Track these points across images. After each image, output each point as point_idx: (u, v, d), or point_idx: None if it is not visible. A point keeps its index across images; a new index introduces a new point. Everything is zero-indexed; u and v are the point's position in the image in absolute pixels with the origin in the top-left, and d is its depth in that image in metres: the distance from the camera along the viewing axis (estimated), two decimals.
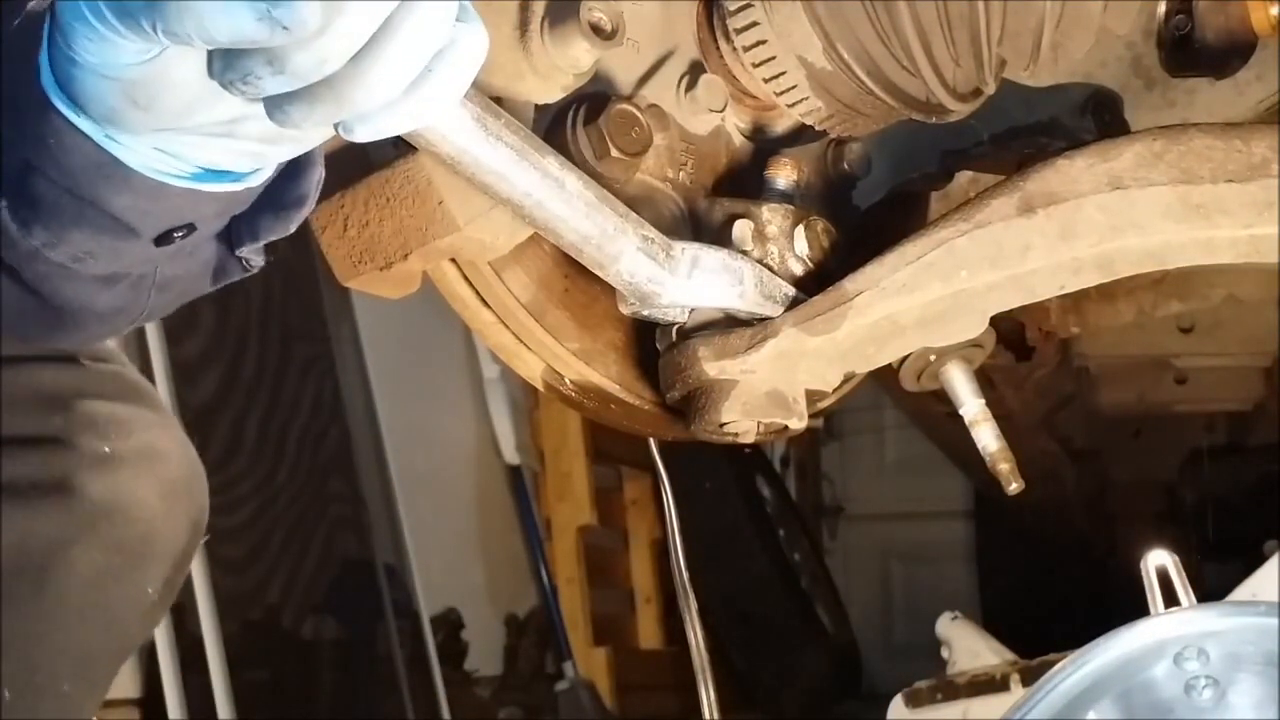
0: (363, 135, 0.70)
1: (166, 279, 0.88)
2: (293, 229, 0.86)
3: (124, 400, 1.15)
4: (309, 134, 0.74)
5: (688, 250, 1.11)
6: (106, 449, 1.10)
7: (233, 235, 0.87)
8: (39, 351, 1.11)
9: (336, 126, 0.70)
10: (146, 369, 2.77)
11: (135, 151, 0.75)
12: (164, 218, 0.79)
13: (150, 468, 1.14)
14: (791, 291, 1.16)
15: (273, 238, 0.87)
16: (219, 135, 0.74)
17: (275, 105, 0.67)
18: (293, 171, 0.83)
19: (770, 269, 1.17)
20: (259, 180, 0.81)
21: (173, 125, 0.73)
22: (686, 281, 1.11)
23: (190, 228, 0.81)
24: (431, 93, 0.70)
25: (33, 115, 0.74)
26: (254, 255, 0.88)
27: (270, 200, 0.84)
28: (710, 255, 1.12)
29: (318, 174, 0.85)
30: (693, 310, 1.15)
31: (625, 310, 1.14)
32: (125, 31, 0.66)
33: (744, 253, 1.17)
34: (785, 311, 1.15)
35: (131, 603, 1.14)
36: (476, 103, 0.92)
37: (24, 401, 1.09)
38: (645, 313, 1.13)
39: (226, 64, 0.66)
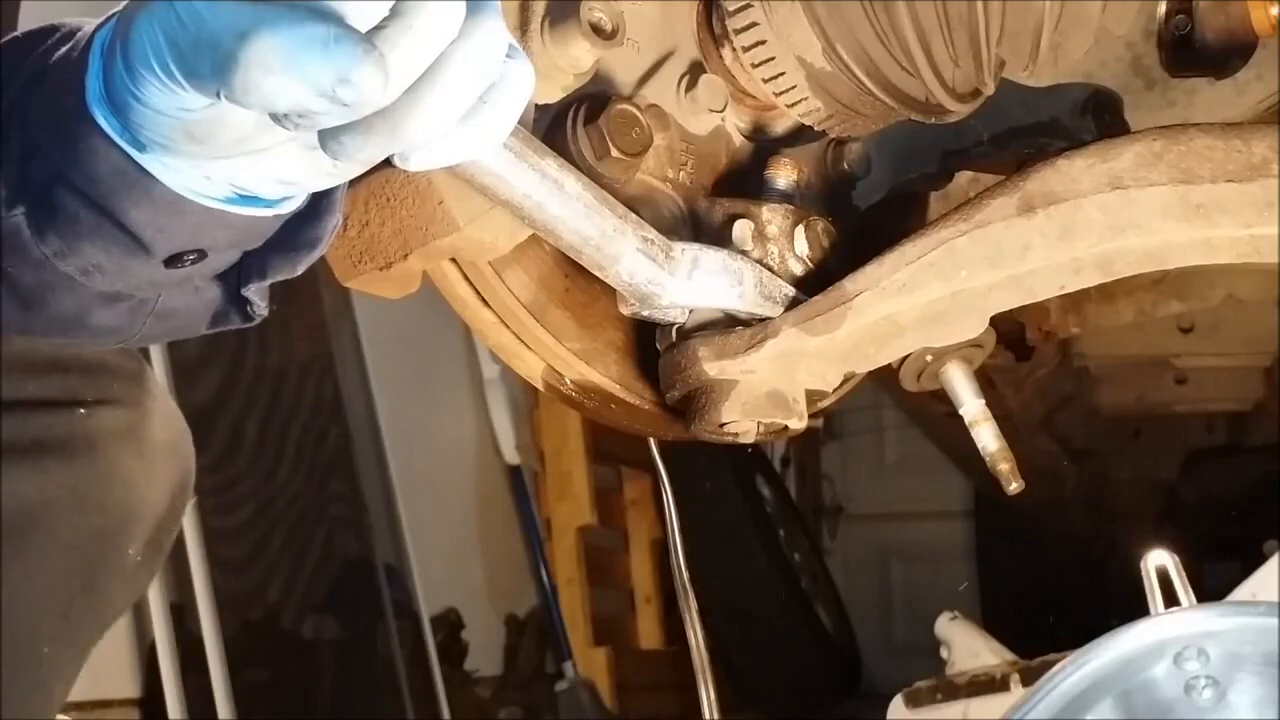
0: (416, 165, 0.71)
1: (166, 309, 0.88)
2: (300, 271, 0.87)
3: (103, 361, 1.15)
4: (355, 166, 0.75)
5: (688, 251, 1.11)
6: (83, 410, 1.11)
7: (241, 273, 0.87)
8: None
9: (391, 157, 0.71)
10: None
11: (181, 174, 0.76)
12: (178, 237, 0.79)
13: (131, 428, 1.14)
14: (791, 292, 1.16)
15: (280, 278, 0.87)
16: (260, 160, 0.74)
17: (330, 136, 0.68)
18: (311, 213, 0.84)
19: (770, 269, 1.17)
20: (286, 209, 0.81)
21: (223, 156, 0.74)
22: (687, 282, 1.11)
23: (202, 254, 0.81)
24: (484, 123, 0.71)
25: (70, 125, 0.75)
26: (258, 298, 0.88)
27: (284, 240, 0.85)
28: (710, 256, 1.12)
29: (335, 220, 0.86)
30: (692, 310, 1.15)
31: (625, 311, 1.14)
32: (191, 89, 0.67)
33: (744, 253, 1.17)
34: (785, 311, 1.15)
35: (113, 565, 1.15)
36: None
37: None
38: (645, 313, 1.13)
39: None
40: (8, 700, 1.07)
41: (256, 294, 0.88)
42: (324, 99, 0.63)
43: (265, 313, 0.90)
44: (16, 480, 1.07)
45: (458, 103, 0.69)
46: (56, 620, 1.12)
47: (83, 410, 1.11)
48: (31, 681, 1.09)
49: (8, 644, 1.07)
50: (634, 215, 1.07)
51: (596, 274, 1.07)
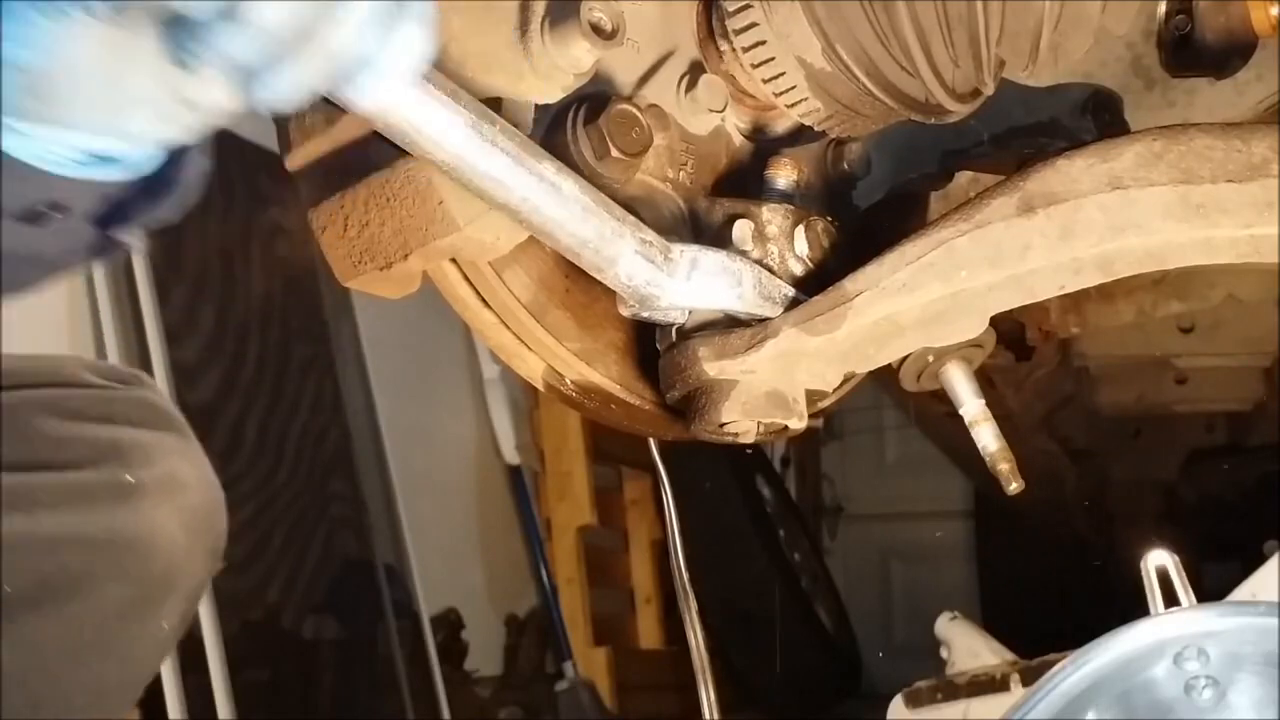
0: (355, 93, 0.72)
1: (35, 253, 0.86)
2: (171, 217, 0.86)
3: (149, 426, 1.13)
4: (215, 111, 0.74)
5: (686, 252, 1.11)
6: (129, 478, 1.08)
7: (109, 216, 0.86)
8: (68, 379, 1.09)
9: (330, 93, 0.71)
10: (146, 369, 2.78)
11: (32, 141, 0.74)
12: (31, 196, 0.78)
13: (172, 498, 1.12)
14: (790, 292, 1.16)
15: (149, 225, 0.86)
16: (112, 120, 0.73)
17: (254, 77, 0.67)
18: (174, 159, 0.83)
19: (770, 269, 1.17)
20: (147, 168, 0.80)
21: (72, 120, 0.72)
22: (685, 283, 1.11)
23: (61, 208, 0.80)
24: (407, 35, 0.71)
25: None
26: (129, 237, 0.87)
27: (150, 187, 0.84)
28: (709, 257, 1.12)
29: (201, 164, 0.85)
30: (692, 311, 1.15)
31: (624, 312, 1.14)
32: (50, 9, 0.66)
33: (744, 253, 1.17)
34: (785, 312, 1.15)
35: (148, 637, 1.12)
36: (472, 109, 0.92)
37: (51, 427, 1.07)
38: (645, 315, 1.13)
39: (189, 35, 0.66)
40: None
41: (125, 236, 0.87)
42: None
43: (142, 245, 0.89)
44: (63, 549, 1.03)
45: (354, 39, 0.68)
46: (89, 694, 1.08)
47: (129, 478, 1.09)
48: None
49: (43, 712, 1.05)
50: (632, 217, 1.07)
51: (595, 276, 1.07)
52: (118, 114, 0.72)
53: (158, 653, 1.17)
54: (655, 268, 1.08)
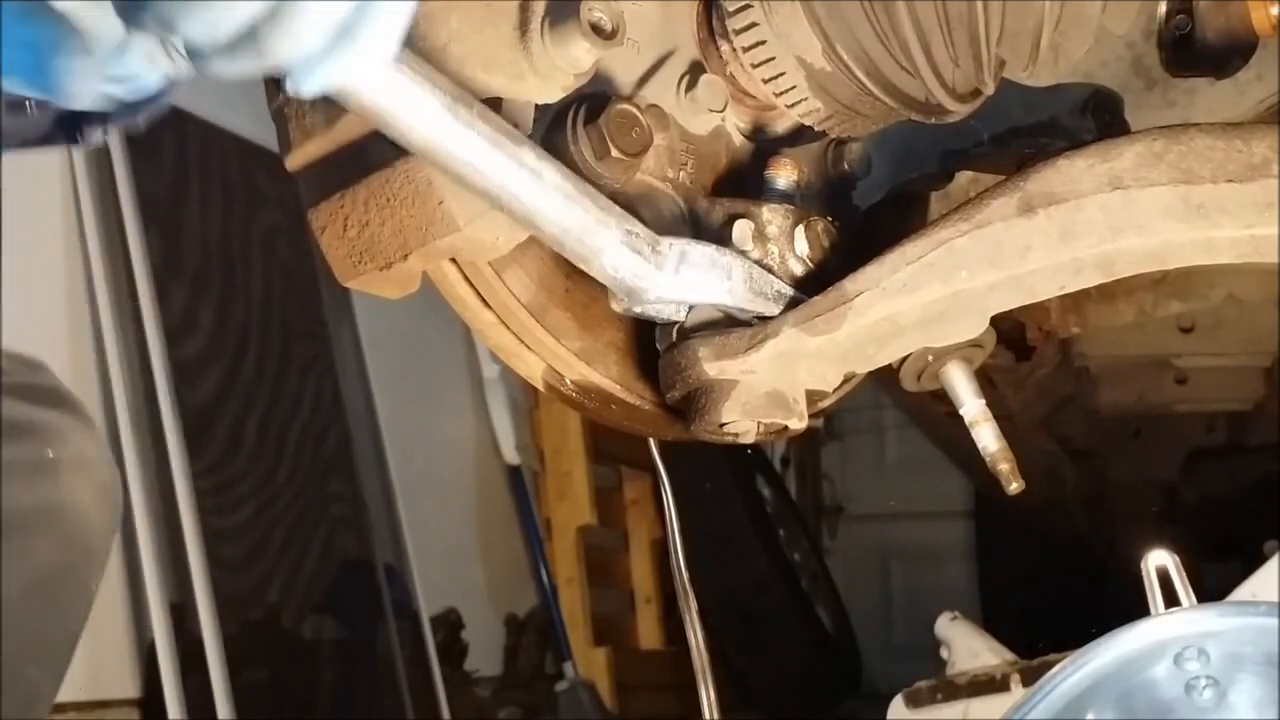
0: (301, 88, 0.71)
1: (9, 134, 0.89)
2: (135, 125, 0.88)
3: (57, 408, 1.18)
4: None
5: (675, 245, 1.11)
6: (50, 454, 1.15)
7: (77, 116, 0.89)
8: None
9: (283, 81, 0.71)
10: (146, 369, 2.78)
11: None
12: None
13: (85, 473, 1.19)
14: (783, 288, 1.16)
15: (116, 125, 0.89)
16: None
17: (198, 56, 0.68)
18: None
19: (770, 269, 1.17)
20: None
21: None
22: (674, 277, 1.10)
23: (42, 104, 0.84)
24: (362, 43, 0.71)
25: None
26: (93, 134, 0.90)
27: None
28: (698, 250, 1.12)
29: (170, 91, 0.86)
30: (692, 309, 1.15)
31: (616, 307, 1.14)
32: None
33: (743, 253, 1.17)
34: (783, 309, 1.15)
35: (80, 597, 1.20)
36: (448, 91, 0.91)
37: None
38: (636, 309, 1.13)
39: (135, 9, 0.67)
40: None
41: (96, 129, 0.90)
42: None
43: (99, 140, 0.92)
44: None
45: (324, 23, 0.68)
46: (38, 646, 1.15)
47: (50, 454, 1.15)
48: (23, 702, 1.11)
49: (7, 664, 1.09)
50: (618, 208, 1.06)
51: (582, 267, 1.07)
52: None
53: (87, 612, 1.24)
54: (643, 259, 1.07)
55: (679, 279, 1.11)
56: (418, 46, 1.01)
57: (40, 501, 1.13)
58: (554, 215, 1.00)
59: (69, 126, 0.90)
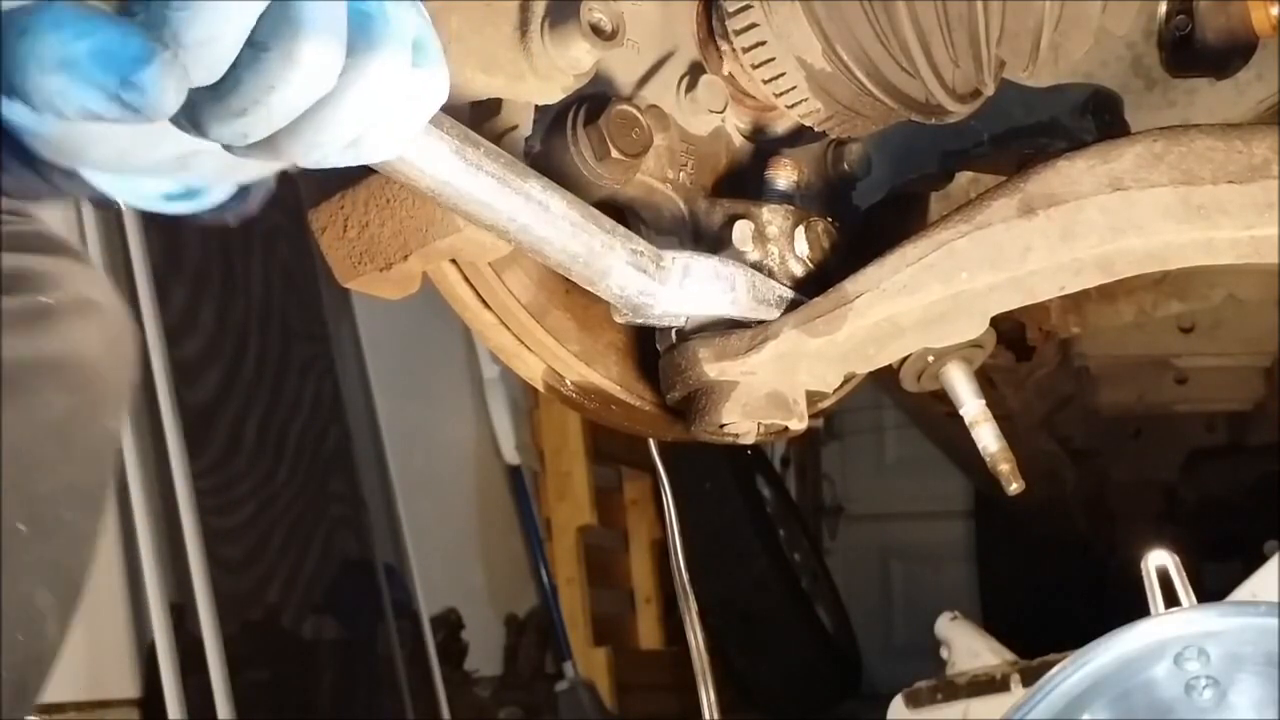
0: (312, 165, 0.71)
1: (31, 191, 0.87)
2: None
3: (50, 253, 1.16)
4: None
5: (678, 260, 1.10)
6: (45, 299, 1.11)
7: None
8: None
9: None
10: (146, 369, 2.78)
11: (111, 181, 0.74)
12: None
13: (88, 317, 1.15)
14: (787, 294, 1.16)
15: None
16: (170, 171, 0.73)
17: (226, 146, 0.67)
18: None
19: (770, 270, 1.17)
20: (225, 199, 0.80)
21: (115, 169, 0.72)
22: (679, 291, 1.10)
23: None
24: (376, 144, 0.71)
25: None
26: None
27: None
28: (701, 264, 1.12)
29: (262, 192, 0.85)
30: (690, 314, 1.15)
31: (619, 320, 1.14)
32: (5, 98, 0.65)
33: (743, 254, 1.17)
34: (784, 313, 1.15)
35: (100, 436, 1.17)
36: (454, 134, 0.90)
37: None
38: (639, 321, 1.13)
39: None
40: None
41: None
42: (114, 104, 0.60)
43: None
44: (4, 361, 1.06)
45: (338, 137, 0.68)
46: (70, 488, 1.13)
47: (46, 300, 1.11)
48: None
49: (35, 513, 1.07)
50: (623, 228, 1.06)
51: (588, 289, 1.07)
52: (182, 159, 0.73)
53: (111, 450, 1.21)
54: (648, 277, 1.07)
55: (683, 293, 1.11)
56: None
57: (37, 351, 1.09)
58: (562, 243, 1.00)
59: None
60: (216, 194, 0.79)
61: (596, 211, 1.03)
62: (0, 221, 1.14)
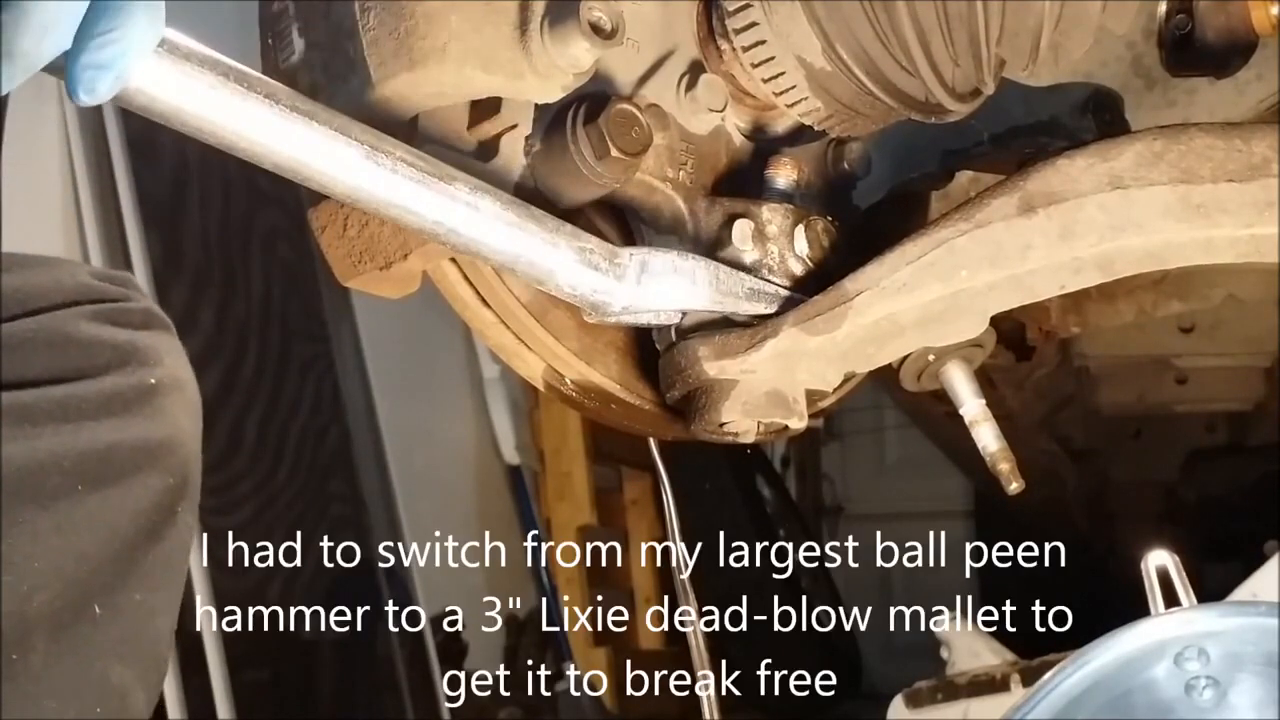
0: (84, 99, 0.70)
1: None
2: None
3: (150, 328, 1.14)
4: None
5: (635, 256, 1.10)
6: (151, 379, 1.10)
7: None
8: (80, 285, 1.10)
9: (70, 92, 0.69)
10: None
11: None
12: None
13: (181, 395, 1.13)
14: (757, 285, 1.16)
15: None
16: None
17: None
18: None
19: (770, 269, 1.17)
20: None
21: None
22: (636, 287, 1.10)
23: None
24: (117, 35, 0.69)
25: None
26: None
27: None
28: (658, 258, 1.11)
29: None
30: (687, 311, 1.15)
31: (589, 320, 1.13)
32: None
33: (742, 253, 1.17)
34: (779, 308, 1.15)
35: (183, 526, 1.14)
36: (366, 139, 0.90)
37: (81, 330, 1.08)
38: (611, 320, 1.13)
39: None
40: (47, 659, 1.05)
41: None
42: None
43: None
44: (109, 452, 1.04)
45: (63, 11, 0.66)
46: (150, 579, 1.10)
47: (151, 380, 1.09)
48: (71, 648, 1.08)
49: (131, 603, 1.05)
50: (570, 226, 1.05)
51: (539, 288, 1.06)
52: None
53: (189, 543, 1.17)
54: (600, 274, 1.07)
55: (642, 289, 1.10)
56: (416, 45, 1.01)
57: (145, 434, 1.07)
58: (497, 244, 0.99)
59: None
60: None
61: (538, 211, 1.03)
62: (98, 295, 1.13)
